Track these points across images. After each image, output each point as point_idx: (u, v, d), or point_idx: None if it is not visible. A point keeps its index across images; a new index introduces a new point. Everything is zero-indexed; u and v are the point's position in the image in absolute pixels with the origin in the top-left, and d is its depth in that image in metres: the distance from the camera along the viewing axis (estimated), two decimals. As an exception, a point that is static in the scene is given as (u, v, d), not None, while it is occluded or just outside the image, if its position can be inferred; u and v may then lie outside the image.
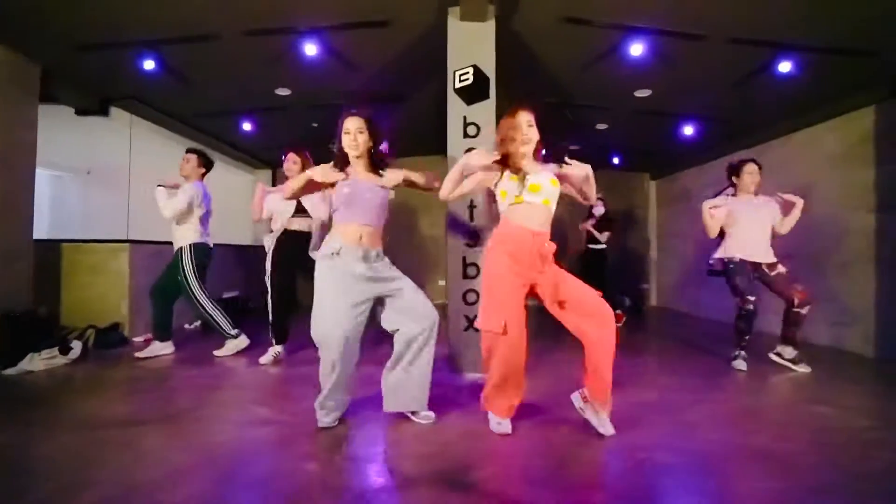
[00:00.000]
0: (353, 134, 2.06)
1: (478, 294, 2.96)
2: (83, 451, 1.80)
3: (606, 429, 1.97)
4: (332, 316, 1.95)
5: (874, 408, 2.49)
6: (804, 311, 3.14)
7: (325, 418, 2.06)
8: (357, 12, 3.11)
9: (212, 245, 3.60)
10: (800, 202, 3.21)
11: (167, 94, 4.16)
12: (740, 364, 3.22)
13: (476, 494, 1.52)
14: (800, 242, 4.47)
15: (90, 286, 3.98)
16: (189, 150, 3.61)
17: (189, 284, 3.40)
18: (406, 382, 2.10)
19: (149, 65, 3.29)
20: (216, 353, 3.45)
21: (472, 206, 2.98)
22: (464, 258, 2.99)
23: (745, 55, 3.37)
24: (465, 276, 2.98)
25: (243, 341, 3.53)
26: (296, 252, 3.10)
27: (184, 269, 3.39)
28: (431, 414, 2.16)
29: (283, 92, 4.28)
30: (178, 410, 2.30)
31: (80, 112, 4.16)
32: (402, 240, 7.17)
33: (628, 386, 2.74)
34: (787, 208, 3.29)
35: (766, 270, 3.25)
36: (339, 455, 1.83)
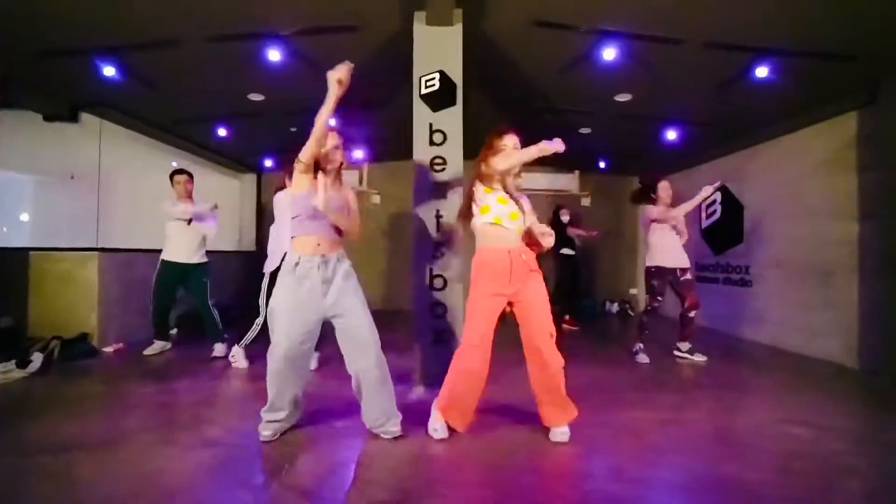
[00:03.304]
0: (331, 150, 2.11)
1: (445, 307, 2.89)
2: (10, 482, 1.71)
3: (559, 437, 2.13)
4: (285, 319, 1.99)
5: (850, 428, 2.39)
6: (691, 314, 3.71)
7: (264, 431, 2.08)
8: (322, 17, 3.03)
9: None
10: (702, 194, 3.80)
11: (136, 100, 4.09)
12: (643, 357, 3.71)
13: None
14: (782, 250, 4.40)
15: (59, 295, 3.89)
16: (177, 172, 3.84)
17: (208, 291, 3.82)
18: (371, 405, 2.12)
19: (108, 71, 3.21)
20: (215, 353, 3.74)
21: (438, 217, 2.89)
22: (430, 269, 2.90)
23: (724, 59, 3.28)
24: (433, 288, 2.89)
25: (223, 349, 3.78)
26: None
27: (208, 276, 3.84)
28: (396, 430, 2.12)
29: (256, 97, 4.20)
30: (125, 432, 2.21)
31: (49, 118, 4.08)
32: (383, 246, 7.09)
33: (594, 403, 2.64)
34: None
35: (678, 275, 3.73)
36: (277, 482, 1.74)
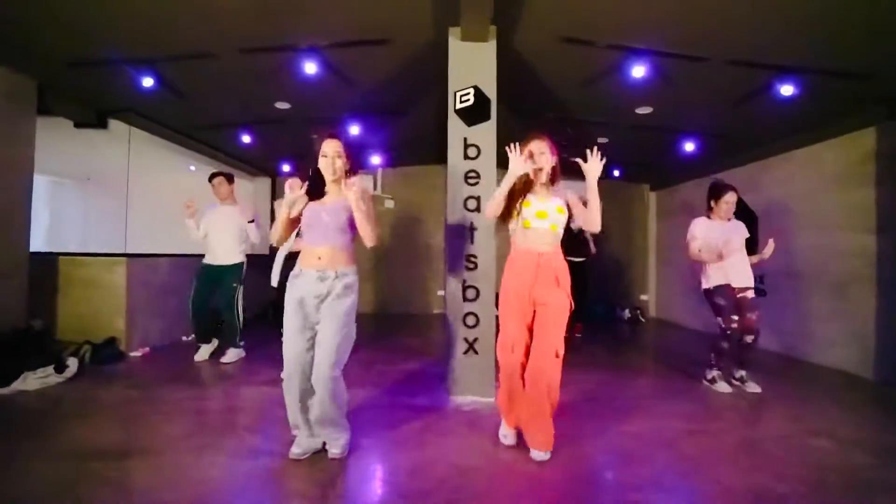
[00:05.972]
0: (331, 158, 2.06)
1: (477, 317, 2.95)
2: (67, 487, 1.76)
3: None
4: (286, 337, 2.01)
5: (874, 441, 2.45)
6: (748, 339, 3.26)
7: (294, 448, 2.07)
8: (355, 31, 3.09)
9: None
10: (769, 250, 3.34)
11: (165, 108, 4.15)
12: (723, 386, 3.29)
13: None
14: (798, 262, 4.47)
15: (86, 300, 3.94)
16: (216, 175, 3.90)
17: (237, 295, 3.87)
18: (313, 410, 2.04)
19: (147, 82, 3.28)
20: (222, 360, 3.80)
21: (472, 229, 2.95)
22: (463, 281, 2.96)
23: (745, 76, 3.35)
24: (465, 300, 2.95)
25: (242, 353, 3.94)
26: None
27: (241, 281, 3.89)
28: (336, 452, 2.06)
29: (282, 106, 4.26)
30: (169, 439, 2.27)
31: (79, 125, 4.14)
32: (399, 249, 7.17)
33: (623, 413, 2.73)
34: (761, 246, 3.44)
35: (738, 294, 3.30)
36: (333, 492, 1.80)
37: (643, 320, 6.78)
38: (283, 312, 2.06)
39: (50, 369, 3.06)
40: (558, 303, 2.09)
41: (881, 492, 1.87)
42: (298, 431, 2.09)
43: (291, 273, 2.07)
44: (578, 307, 5.37)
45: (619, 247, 7.25)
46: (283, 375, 2.01)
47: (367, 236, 2.04)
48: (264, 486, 1.85)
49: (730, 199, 3.36)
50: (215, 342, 3.98)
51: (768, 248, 3.33)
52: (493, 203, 2.14)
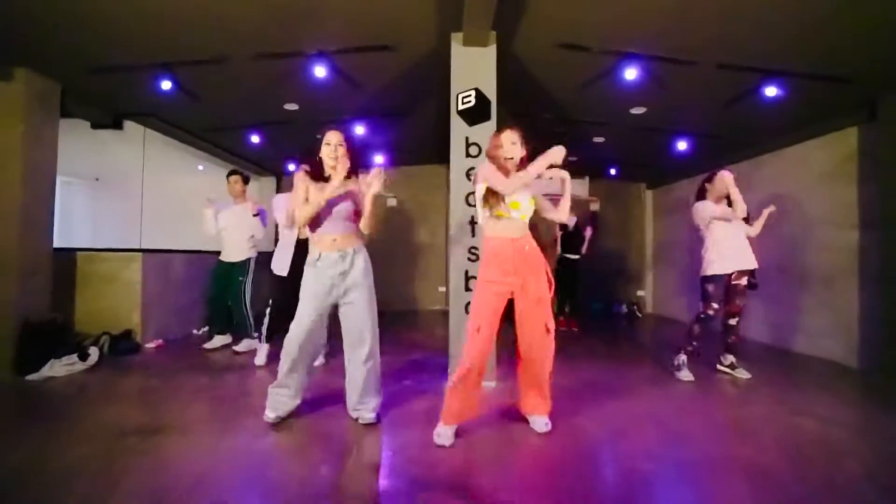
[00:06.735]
0: (334, 145, 2.27)
1: (478, 307, 3.12)
2: (105, 461, 1.91)
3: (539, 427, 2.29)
4: (305, 310, 2.25)
5: (850, 419, 2.63)
6: (732, 322, 3.44)
7: (268, 412, 2.34)
8: (362, 37, 3.26)
9: None
10: (767, 210, 3.56)
11: (179, 110, 4.31)
12: (685, 374, 3.32)
13: (477, 501, 1.66)
14: (786, 256, 4.65)
15: (103, 294, 4.10)
16: (233, 172, 4.14)
17: (244, 289, 4.08)
18: (353, 391, 2.36)
19: (165, 86, 3.44)
20: (235, 347, 4.02)
21: (473, 223, 3.12)
22: (466, 272, 3.13)
23: (734, 79, 3.52)
24: (467, 289, 3.12)
25: (255, 343, 4.02)
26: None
27: (246, 275, 4.09)
28: (370, 417, 2.36)
29: (291, 107, 4.44)
30: (193, 419, 2.43)
31: (96, 126, 4.30)
32: (400, 248, 7.33)
33: (618, 396, 2.91)
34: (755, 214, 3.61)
35: (735, 278, 3.38)
36: (350, 460, 1.97)
37: (640, 315, 6.96)
38: (284, 307, 2.25)
39: (74, 357, 3.24)
40: (539, 282, 2.17)
41: (850, 458, 2.05)
42: (282, 392, 2.33)
43: (309, 260, 2.27)
44: (571, 303, 5.61)
45: (617, 244, 7.42)
46: (290, 339, 2.25)
47: (368, 225, 2.30)
48: (289, 455, 2.02)
49: (721, 175, 3.42)
50: (228, 337, 4.17)
51: (766, 213, 3.55)
52: (519, 180, 2.10)
